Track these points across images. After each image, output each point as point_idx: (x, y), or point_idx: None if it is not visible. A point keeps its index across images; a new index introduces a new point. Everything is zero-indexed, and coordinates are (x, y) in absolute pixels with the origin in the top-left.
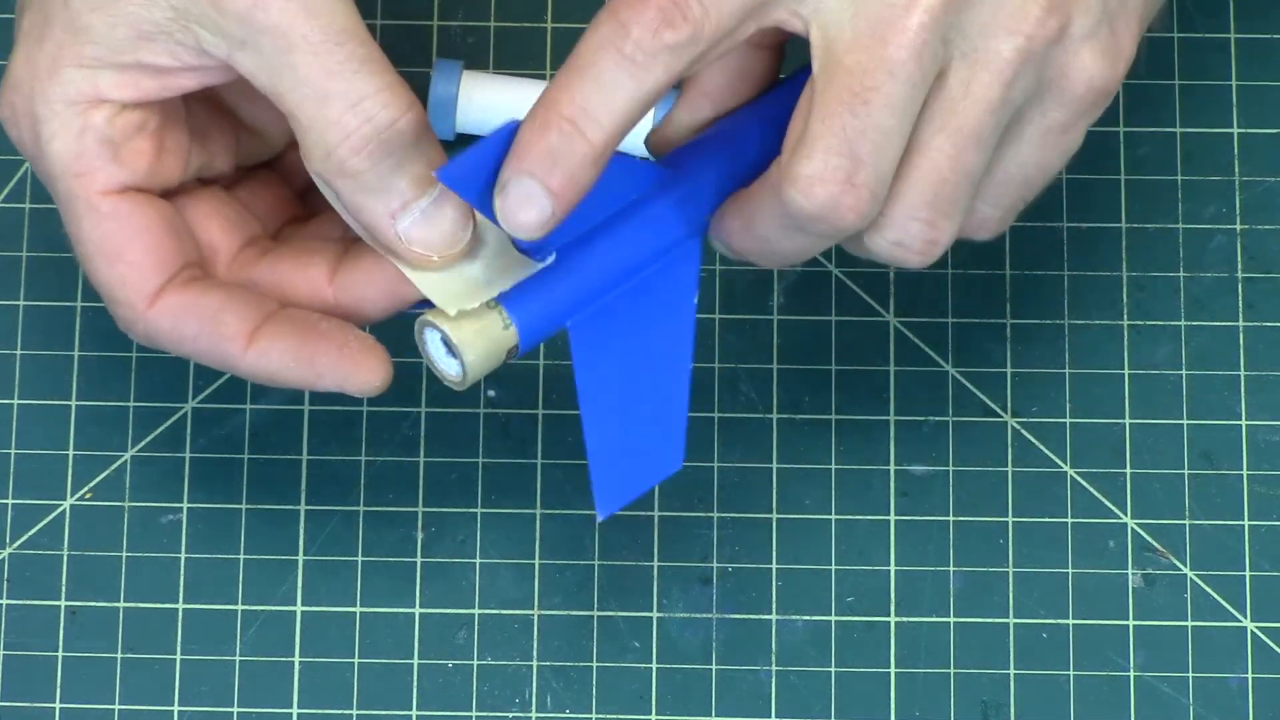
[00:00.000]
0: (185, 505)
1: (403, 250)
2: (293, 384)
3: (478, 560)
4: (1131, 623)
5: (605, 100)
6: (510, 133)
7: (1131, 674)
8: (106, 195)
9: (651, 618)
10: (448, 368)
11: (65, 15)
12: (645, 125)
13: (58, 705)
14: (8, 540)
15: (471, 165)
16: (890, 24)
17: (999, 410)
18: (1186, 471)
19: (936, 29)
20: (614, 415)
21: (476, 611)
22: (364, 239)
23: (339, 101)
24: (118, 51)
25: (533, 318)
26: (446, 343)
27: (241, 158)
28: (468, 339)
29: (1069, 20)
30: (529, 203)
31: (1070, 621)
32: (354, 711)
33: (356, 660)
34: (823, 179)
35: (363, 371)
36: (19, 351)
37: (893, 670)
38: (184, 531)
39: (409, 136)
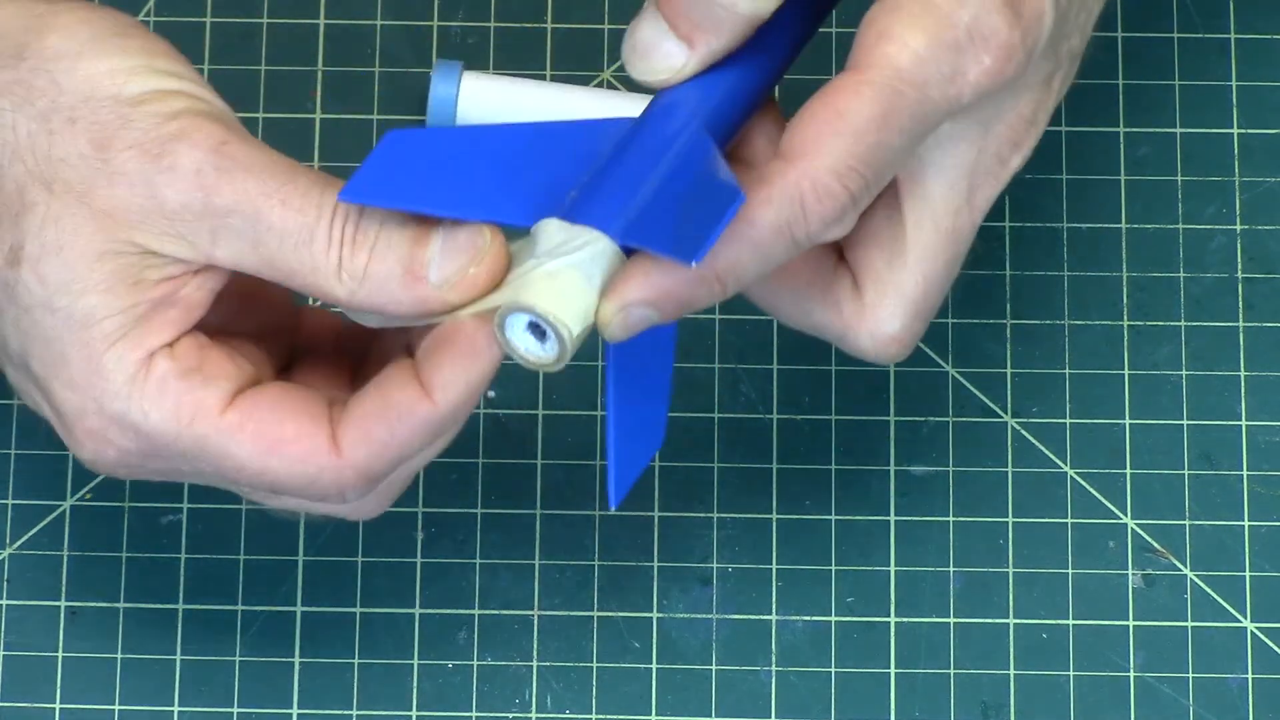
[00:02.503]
0: (185, 505)
1: (450, 293)
2: (468, 408)
3: (478, 560)
4: (1131, 623)
5: (757, 267)
6: (392, 142)
7: (1131, 674)
8: (227, 409)
9: (651, 618)
10: (542, 350)
11: (56, 326)
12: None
13: (58, 705)
14: (8, 540)
15: (370, 177)
16: (983, 184)
17: (999, 410)
18: (1186, 471)
19: None
20: (628, 405)
21: (476, 611)
22: (416, 326)
23: (318, 224)
24: (127, 306)
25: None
26: (535, 324)
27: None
28: (553, 303)
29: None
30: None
31: (1070, 622)
32: (354, 711)
33: (356, 660)
34: (902, 341)
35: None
36: None
37: (893, 670)
38: (184, 531)
39: (375, 213)
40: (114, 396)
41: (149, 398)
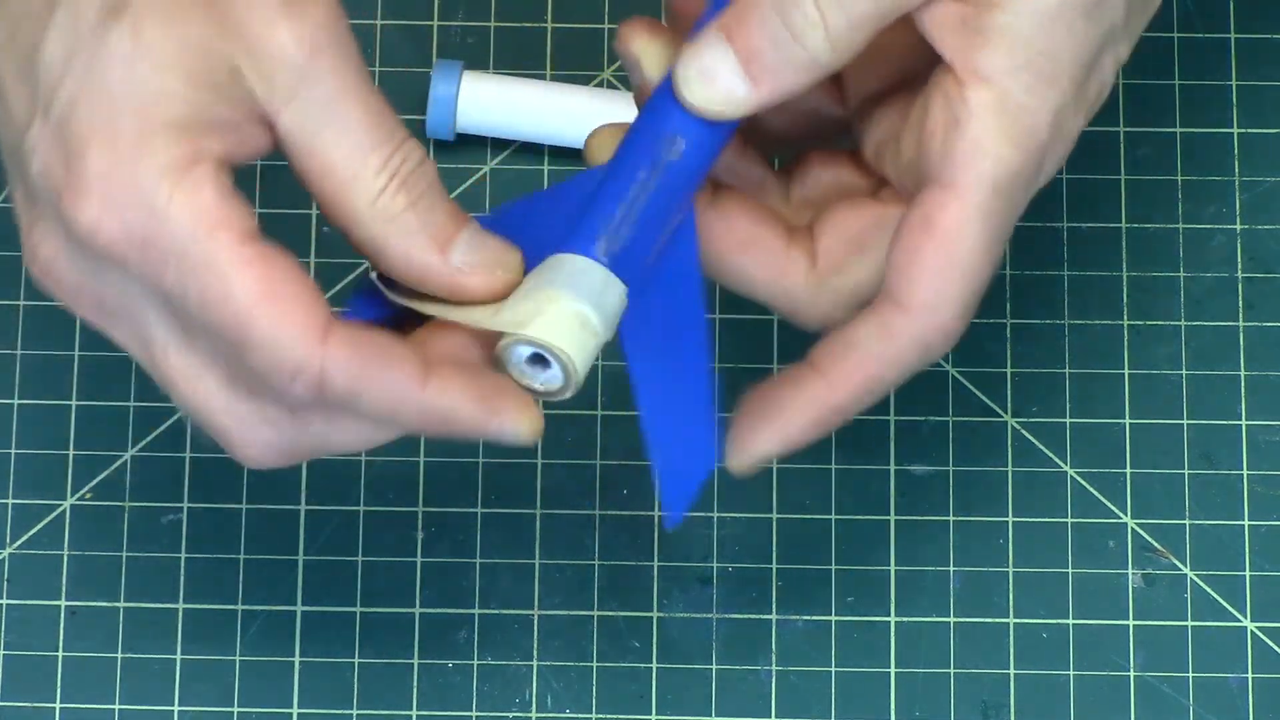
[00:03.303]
0: (185, 505)
1: (464, 281)
2: (462, 427)
3: (478, 560)
4: (1131, 623)
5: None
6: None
7: (1131, 674)
8: (247, 243)
9: (651, 618)
10: (549, 378)
11: (129, 85)
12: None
13: (58, 705)
14: (8, 540)
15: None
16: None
17: (999, 410)
18: (1186, 471)
19: None
20: (668, 413)
21: (476, 611)
22: (413, 305)
23: (382, 148)
24: (195, 105)
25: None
26: (538, 354)
27: None
28: (555, 333)
29: None
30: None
31: (1070, 621)
32: (354, 711)
33: (356, 660)
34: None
35: (530, 416)
36: (19, 351)
37: (893, 670)
38: (184, 531)
39: (433, 173)
40: (150, 171)
41: (182, 189)
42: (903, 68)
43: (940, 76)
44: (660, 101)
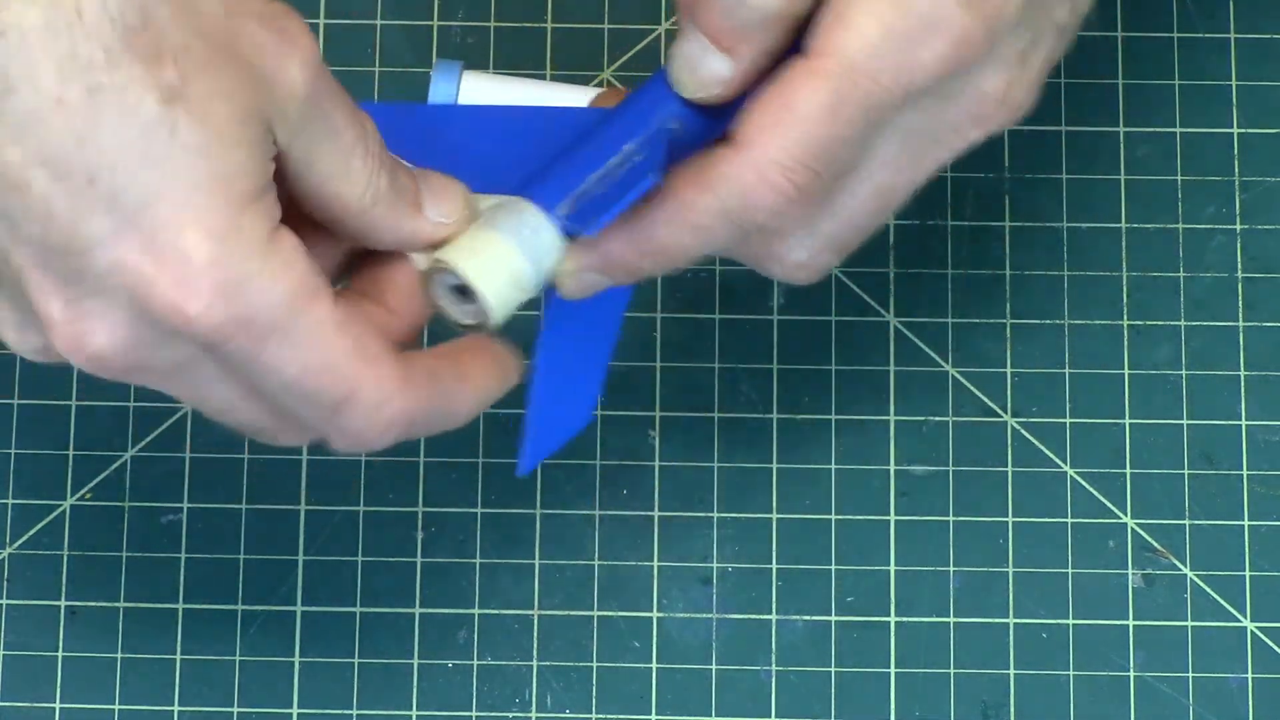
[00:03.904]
0: (185, 505)
1: (443, 230)
2: (486, 405)
3: (478, 560)
4: (1131, 623)
5: (700, 246)
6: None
7: (1131, 674)
8: (337, 305)
9: (651, 618)
10: (471, 312)
11: (209, 170)
12: None
13: (58, 705)
14: (8, 540)
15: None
16: (931, 149)
17: (999, 410)
18: (1186, 471)
19: None
20: (559, 373)
21: (476, 611)
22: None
23: (362, 137)
24: (262, 174)
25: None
26: (458, 287)
27: None
28: (475, 267)
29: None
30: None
31: (1070, 621)
32: (354, 711)
33: (356, 660)
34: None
35: (510, 364)
36: None
37: (893, 670)
38: (184, 531)
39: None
40: (248, 255)
41: (280, 264)
42: None
43: None
44: (657, 84)
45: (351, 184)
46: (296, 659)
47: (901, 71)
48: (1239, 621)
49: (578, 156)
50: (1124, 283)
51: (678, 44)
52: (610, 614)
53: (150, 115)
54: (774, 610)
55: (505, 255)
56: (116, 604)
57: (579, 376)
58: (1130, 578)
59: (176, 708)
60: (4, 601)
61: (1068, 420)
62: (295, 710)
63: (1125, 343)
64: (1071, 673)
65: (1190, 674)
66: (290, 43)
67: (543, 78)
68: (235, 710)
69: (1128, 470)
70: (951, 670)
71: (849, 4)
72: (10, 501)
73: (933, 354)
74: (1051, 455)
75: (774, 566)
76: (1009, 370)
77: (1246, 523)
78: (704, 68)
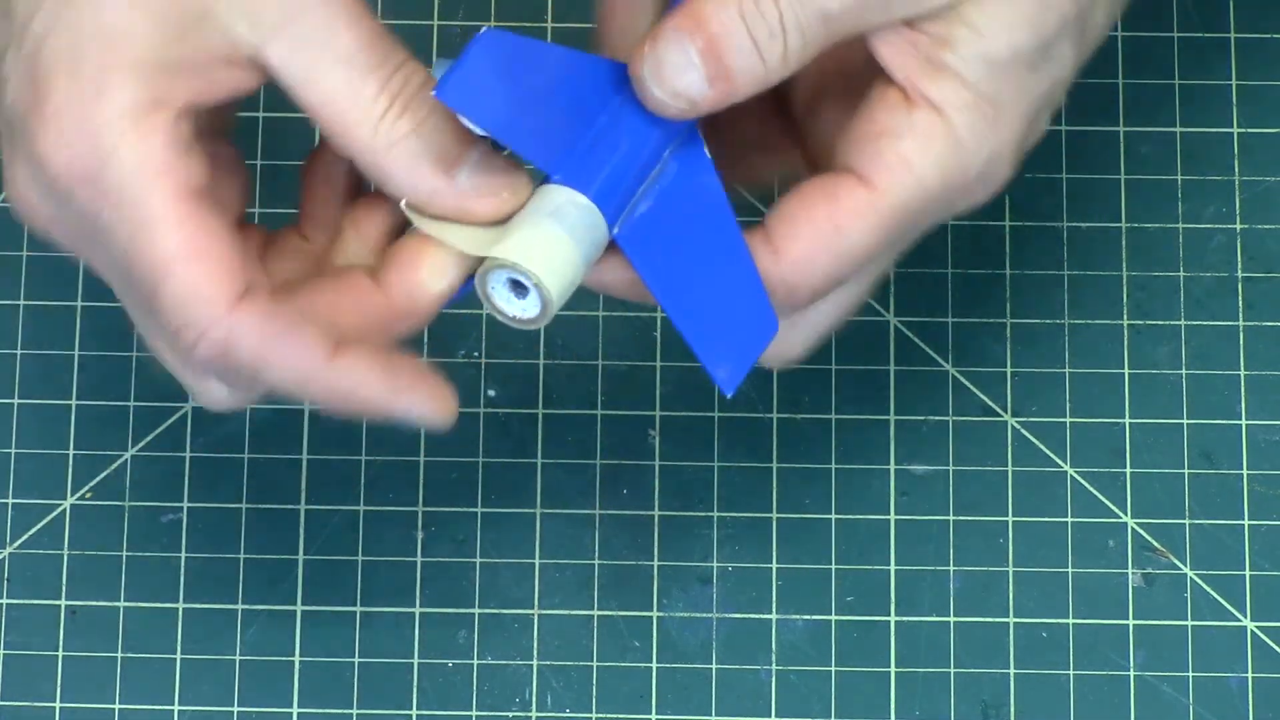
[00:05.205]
0: (185, 505)
1: (471, 204)
2: (368, 405)
3: (478, 560)
4: (1131, 622)
5: None
6: (491, 39)
7: (1131, 674)
8: (182, 198)
9: (651, 618)
10: (526, 307)
11: (96, 23)
12: None
13: (58, 705)
14: (8, 540)
15: (464, 79)
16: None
17: (999, 410)
18: (1186, 471)
19: None
20: (695, 305)
21: (476, 611)
22: (417, 222)
23: (379, 71)
24: (160, 48)
25: (598, 189)
26: (517, 280)
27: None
28: (537, 259)
29: None
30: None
31: (1070, 621)
32: (354, 711)
33: (356, 660)
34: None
35: (439, 399)
36: (19, 351)
37: (893, 670)
38: (184, 531)
39: (429, 96)
40: (106, 109)
41: (134, 132)
42: (841, 69)
43: (885, 88)
44: None
45: (357, 115)
46: (296, 658)
47: (945, 216)
48: (1239, 621)
49: (629, 160)
50: (1124, 283)
51: (659, 45)
52: (610, 613)
53: None
54: (774, 610)
55: (574, 261)
56: (116, 604)
57: (723, 288)
58: (1130, 577)
59: (176, 707)
60: (4, 601)
61: (1068, 420)
62: (295, 710)
63: (1125, 343)
64: (1071, 672)
65: (1190, 673)
66: None
67: None
68: (235, 710)
69: (1128, 470)
70: (951, 670)
71: (917, 148)
72: (10, 501)
73: (933, 354)
74: (1051, 455)
75: (774, 566)
76: (1009, 370)
77: (1246, 522)
78: (683, 80)
